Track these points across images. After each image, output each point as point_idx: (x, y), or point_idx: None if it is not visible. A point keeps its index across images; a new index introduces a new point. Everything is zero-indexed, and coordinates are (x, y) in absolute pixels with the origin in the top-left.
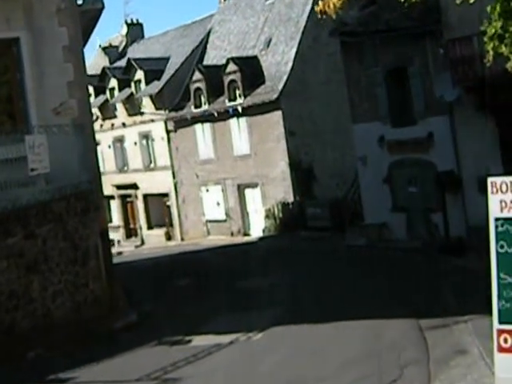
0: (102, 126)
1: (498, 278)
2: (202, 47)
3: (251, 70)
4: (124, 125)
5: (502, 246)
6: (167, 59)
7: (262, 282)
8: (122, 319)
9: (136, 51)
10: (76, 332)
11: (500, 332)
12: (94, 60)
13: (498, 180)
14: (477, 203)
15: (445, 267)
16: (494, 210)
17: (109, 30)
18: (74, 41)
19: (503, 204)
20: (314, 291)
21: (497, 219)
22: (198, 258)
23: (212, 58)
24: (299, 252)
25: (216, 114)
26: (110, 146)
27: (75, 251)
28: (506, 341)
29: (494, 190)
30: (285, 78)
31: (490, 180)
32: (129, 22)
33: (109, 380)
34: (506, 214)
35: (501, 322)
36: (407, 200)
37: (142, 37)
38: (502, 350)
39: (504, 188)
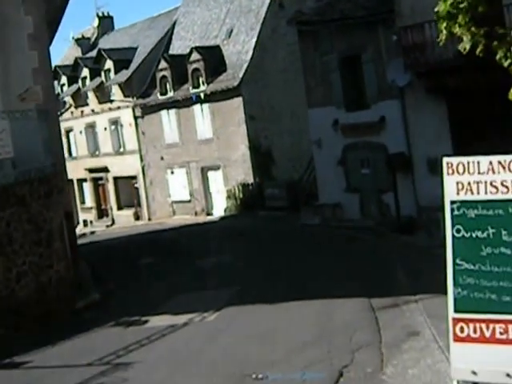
0: (72, 113)
1: (454, 263)
2: (167, 38)
3: (214, 59)
4: (93, 111)
5: (458, 231)
6: (135, 49)
7: (220, 261)
8: (84, 299)
9: (106, 42)
10: (39, 312)
11: (456, 321)
12: (68, 51)
13: (455, 160)
14: (426, 184)
15: (396, 245)
16: (450, 193)
17: (82, 23)
18: (38, 29)
19: (460, 186)
20: (269, 270)
21: (453, 202)
22: (162, 237)
23: (177, 47)
24: (257, 231)
25: (181, 101)
26: (81, 132)
27: (39, 233)
28: (462, 330)
29: (450, 170)
30: (245, 66)
31: (445, 160)
32: (100, 15)
33: (61, 364)
34: (462, 196)
35: (456, 311)
36: (360, 181)
37: (113, 29)
38: (458, 339)
39: (461, 169)
